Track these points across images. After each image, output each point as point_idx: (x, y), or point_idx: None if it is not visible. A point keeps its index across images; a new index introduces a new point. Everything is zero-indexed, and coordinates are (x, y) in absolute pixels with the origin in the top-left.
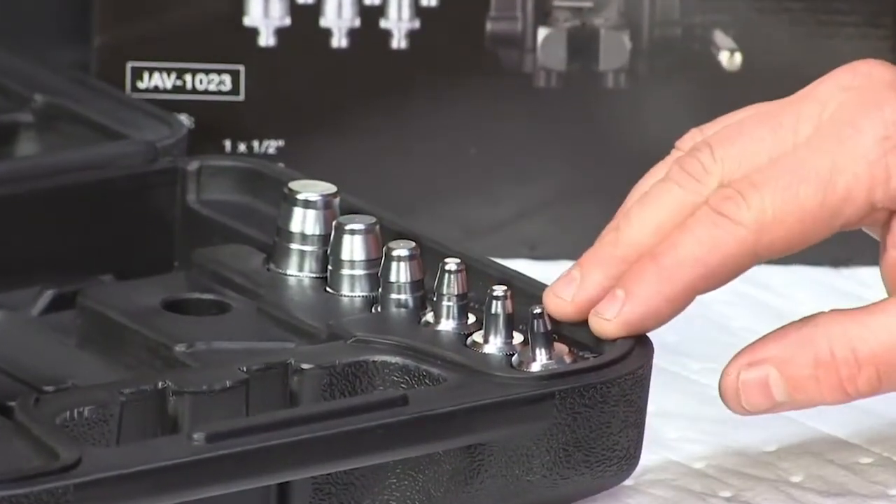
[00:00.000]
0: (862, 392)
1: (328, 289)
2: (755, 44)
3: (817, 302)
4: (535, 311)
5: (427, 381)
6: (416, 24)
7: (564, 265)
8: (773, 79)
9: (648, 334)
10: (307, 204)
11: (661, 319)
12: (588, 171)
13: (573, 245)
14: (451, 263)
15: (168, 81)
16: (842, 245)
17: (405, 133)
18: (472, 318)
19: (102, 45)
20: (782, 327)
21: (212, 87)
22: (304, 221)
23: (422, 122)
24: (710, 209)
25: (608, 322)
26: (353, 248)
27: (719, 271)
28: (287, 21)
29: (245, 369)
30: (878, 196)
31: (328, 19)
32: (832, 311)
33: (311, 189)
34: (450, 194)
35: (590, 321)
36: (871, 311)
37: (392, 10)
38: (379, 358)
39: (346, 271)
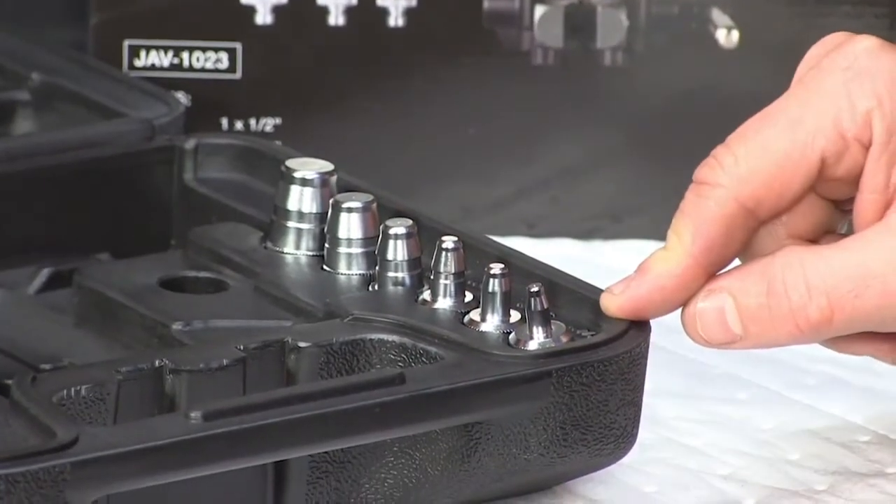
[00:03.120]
0: (813, 324)
1: (325, 267)
2: (752, 21)
3: None
4: (532, 290)
5: (424, 360)
6: (413, 1)
7: (563, 243)
8: (771, 56)
9: None
10: (304, 182)
11: (672, 296)
12: (586, 148)
13: (571, 223)
14: (449, 241)
15: (165, 59)
16: None
17: (402, 111)
18: (469, 297)
19: (99, 24)
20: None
21: (209, 65)
22: (301, 199)
23: (419, 100)
24: (693, 184)
25: (613, 296)
26: (350, 225)
27: (720, 239)
28: None
29: (242, 348)
30: (846, 123)
31: None
32: (793, 244)
33: (308, 167)
34: (448, 173)
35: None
36: (831, 246)
37: None
38: (376, 336)
39: (343, 249)
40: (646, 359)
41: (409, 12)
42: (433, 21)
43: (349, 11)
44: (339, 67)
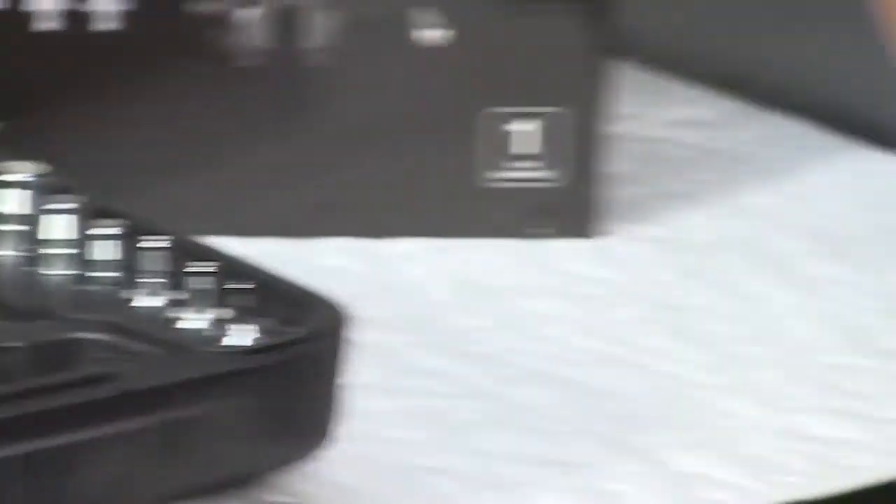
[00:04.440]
0: None
1: (31, 268)
2: (462, 21)
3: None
4: (238, 288)
5: (131, 358)
6: (126, 5)
7: (269, 243)
8: (482, 55)
9: (347, 306)
10: (8, 184)
11: None
12: (293, 150)
13: (282, 222)
14: (155, 241)
15: None
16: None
17: (111, 114)
18: (176, 296)
19: None
20: None
21: None
22: (8, 201)
23: (129, 104)
24: None
25: None
26: (58, 227)
27: None
28: None
29: None
30: None
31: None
32: None
33: (17, 169)
34: (160, 176)
35: None
36: None
37: None
38: (83, 335)
39: (49, 250)
40: (345, 353)
41: (121, 16)
42: (142, 24)
43: (60, 15)
44: (53, 72)
